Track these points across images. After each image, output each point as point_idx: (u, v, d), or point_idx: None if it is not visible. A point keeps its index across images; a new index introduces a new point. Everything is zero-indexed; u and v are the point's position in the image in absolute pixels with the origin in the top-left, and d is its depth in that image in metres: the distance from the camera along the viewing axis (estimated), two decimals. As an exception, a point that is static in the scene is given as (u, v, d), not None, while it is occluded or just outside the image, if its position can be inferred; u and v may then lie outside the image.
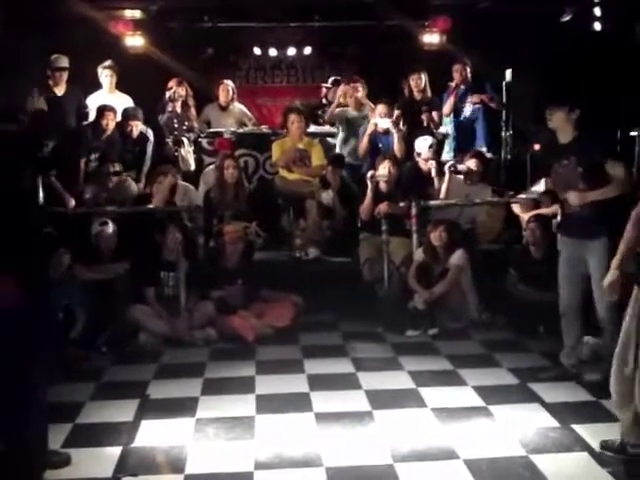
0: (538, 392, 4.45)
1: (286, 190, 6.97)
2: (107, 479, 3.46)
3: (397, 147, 7.09)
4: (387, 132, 7.14)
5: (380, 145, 7.23)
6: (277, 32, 9.45)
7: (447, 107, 7.61)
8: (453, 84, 7.67)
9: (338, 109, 7.62)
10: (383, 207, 6.19)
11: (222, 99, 8.10)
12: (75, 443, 3.82)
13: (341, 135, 7.43)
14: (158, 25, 8.40)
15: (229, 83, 8.18)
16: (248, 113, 8.37)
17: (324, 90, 8.66)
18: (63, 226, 5.77)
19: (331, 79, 8.65)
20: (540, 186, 6.00)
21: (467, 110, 7.60)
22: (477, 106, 7.55)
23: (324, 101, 8.45)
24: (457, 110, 7.66)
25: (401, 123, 7.24)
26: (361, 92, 7.10)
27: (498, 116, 7.78)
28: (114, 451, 3.71)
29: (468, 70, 7.53)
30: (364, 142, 7.20)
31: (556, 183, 4.52)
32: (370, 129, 7.14)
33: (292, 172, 6.95)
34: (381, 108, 7.21)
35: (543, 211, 6.33)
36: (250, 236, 6.36)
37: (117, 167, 6.59)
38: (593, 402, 4.29)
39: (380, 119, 7.12)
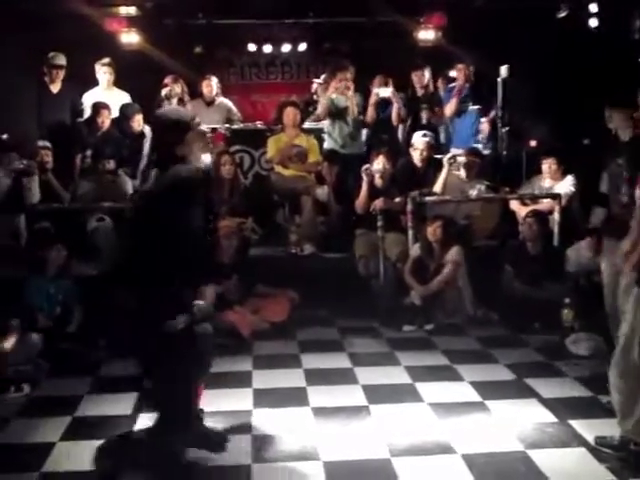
0: (535, 387, 4.46)
1: (281, 186, 6.95)
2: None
3: (395, 115, 7.24)
4: (388, 102, 7.24)
5: (381, 115, 7.35)
6: (271, 29, 9.46)
7: (449, 108, 7.54)
8: (456, 85, 7.60)
9: (324, 99, 7.42)
10: (379, 203, 6.20)
11: (206, 94, 8.04)
12: (74, 436, 3.83)
13: (328, 121, 7.32)
14: (153, 22, 8.39)
15: (213, 79, 8.08)
16: (234, 109, 8.26)
17: (314, 86, 8.64)
18: (60, 222, 5.77)
19: (323, 75, 8.64)
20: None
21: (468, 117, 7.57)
22: (478, 111, 7.54)
23: (315, 97, 8.43)
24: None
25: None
26: (352, 89, 7.12)
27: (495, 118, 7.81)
28: (112, 445, 3.72)
29: (471, 70, 7.52)
30: (370, 112, 7.29)
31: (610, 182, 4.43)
32: (372, 99, 7.23)
33: (287, 168, 6.94)
34: (379, 79, 7.42)
35: (540, 207, 6.35)
36: (246, 232, 6.35)
37: (111, 164, 6.57)
38: (590, 397, 4.30)
39: (381, 89, 7.24)
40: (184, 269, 3.24)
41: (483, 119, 7.67)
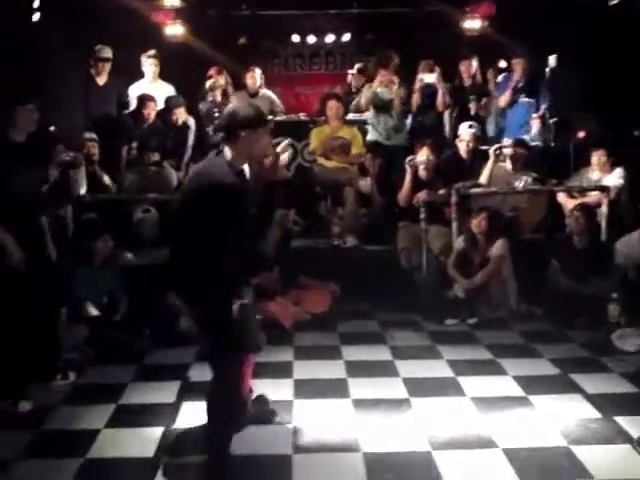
0: (580, 383, 4.38)
1: (324, 178, 6.95)
2: (148, 459, 3.52)
3: (440, 100, 7.20)
4: (433, 88, 7.21)
5: (426, 101, 7.34)
6: (315, 19, 9.45)
7: (503, 99, 7.50)
8: (509, 76, 7.54)
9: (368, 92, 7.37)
10: (422, 195, 6.15)
11: (250, 86, 8.04)
12: (118, 423, 3.91)
13: (372, 112, 7.30)
14: (197, 13, 8.45)
15: (256, 70, 8.08)
16: (277, 100, 8.24)
17: (349, 77, 8.60)
18: (106, 213, 5.88)
19: (357, 65, 8.60)
20: None
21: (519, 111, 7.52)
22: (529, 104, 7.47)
23: (352, 88, 8.40)
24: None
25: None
26: (397, 84, 7.08)
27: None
28: (156, 432, 3.78)
29: (528, 64, 7.43)
30: (415, 97, 7.29)
31: None
32: (417, 85, 7.22)
33: (330, 160, 6.93)
34: (423, 64, 7.37)
35: (588, 200, 6.22)
36: (288, 223, 6.36)
37: (156, 156, 6.66)
38: (636, 394, 4.22)
39: (425, 74, 7.21)
40: (224, 264, 3.25)
41: (534, 115, 7.54)
